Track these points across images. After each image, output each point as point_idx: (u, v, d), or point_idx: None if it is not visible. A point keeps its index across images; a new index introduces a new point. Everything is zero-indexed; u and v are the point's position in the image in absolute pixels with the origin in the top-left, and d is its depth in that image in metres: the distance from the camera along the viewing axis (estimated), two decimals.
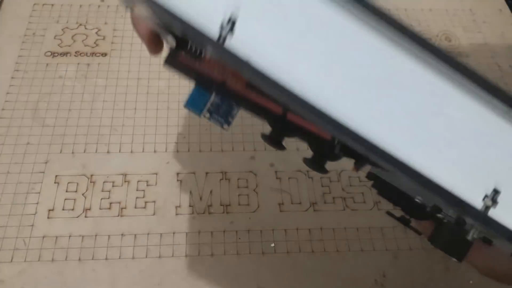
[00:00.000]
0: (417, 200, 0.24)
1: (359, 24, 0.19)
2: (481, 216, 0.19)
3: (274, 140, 0.28)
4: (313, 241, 0.40)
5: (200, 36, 0.19)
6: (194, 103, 0.29)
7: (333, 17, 0.19)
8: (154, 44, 0.29)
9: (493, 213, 0.19)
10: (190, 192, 0.42)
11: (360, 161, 0.26)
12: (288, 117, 0.27)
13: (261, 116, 0.28)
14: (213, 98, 0.29)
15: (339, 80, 0.19)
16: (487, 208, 0.19)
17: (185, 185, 0.42)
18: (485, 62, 0.54)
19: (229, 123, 0.30)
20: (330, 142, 0.25)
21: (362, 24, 0.19)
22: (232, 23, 0.19)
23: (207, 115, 0.29)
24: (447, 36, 0.56)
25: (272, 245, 0.40)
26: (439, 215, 0.24)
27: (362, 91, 0.19)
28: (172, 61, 0.28)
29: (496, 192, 0.19)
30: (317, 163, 0.27)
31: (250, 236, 0.40)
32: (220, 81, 0.27)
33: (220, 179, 0.43)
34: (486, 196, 0.19)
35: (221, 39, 0.19)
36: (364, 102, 0.19)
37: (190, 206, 0.41)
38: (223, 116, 0.30)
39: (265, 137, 0.28)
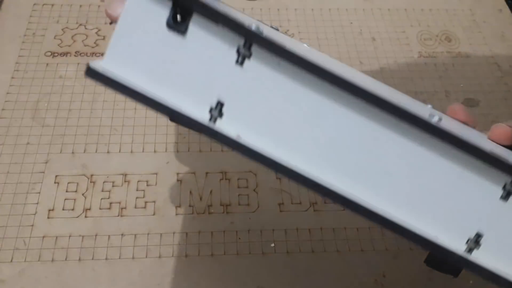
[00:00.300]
0: None
1: (332, 99, 0.20)
2: (463, 261, 0.21)
3: None
4: (313, 241, 0.40)
5: (191, 123, 0.20)
6: None
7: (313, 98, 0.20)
8: None
9: (475, 255, 0.21)
10: (190, 192, 0.42)
11: None
12: None
13: None
14: None
15: (327, 150, 0.21)
16: (470, 250, 0.21)
17: (185, 185, 0.42)
18: (485, 62, 0.54)
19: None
20: None
21: (335, 99, 0.20)
22: (220, 107, 0.21)
23: None
24: (447, 36, 0.56)
25: (272, 245, 0.40)
26: None
27: (343, 157, 0.21)
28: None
29: (478, 235, 0.21)
30: None
31: (250, 236, 0.40)
32: None
33: (220, 179, 0.43)
34: (469, 239, 0.21)
35: (212, 120, 0.21)
36: (346, 167, 0.21)
37: (190, 206, 0.41)
38: None
39: None
